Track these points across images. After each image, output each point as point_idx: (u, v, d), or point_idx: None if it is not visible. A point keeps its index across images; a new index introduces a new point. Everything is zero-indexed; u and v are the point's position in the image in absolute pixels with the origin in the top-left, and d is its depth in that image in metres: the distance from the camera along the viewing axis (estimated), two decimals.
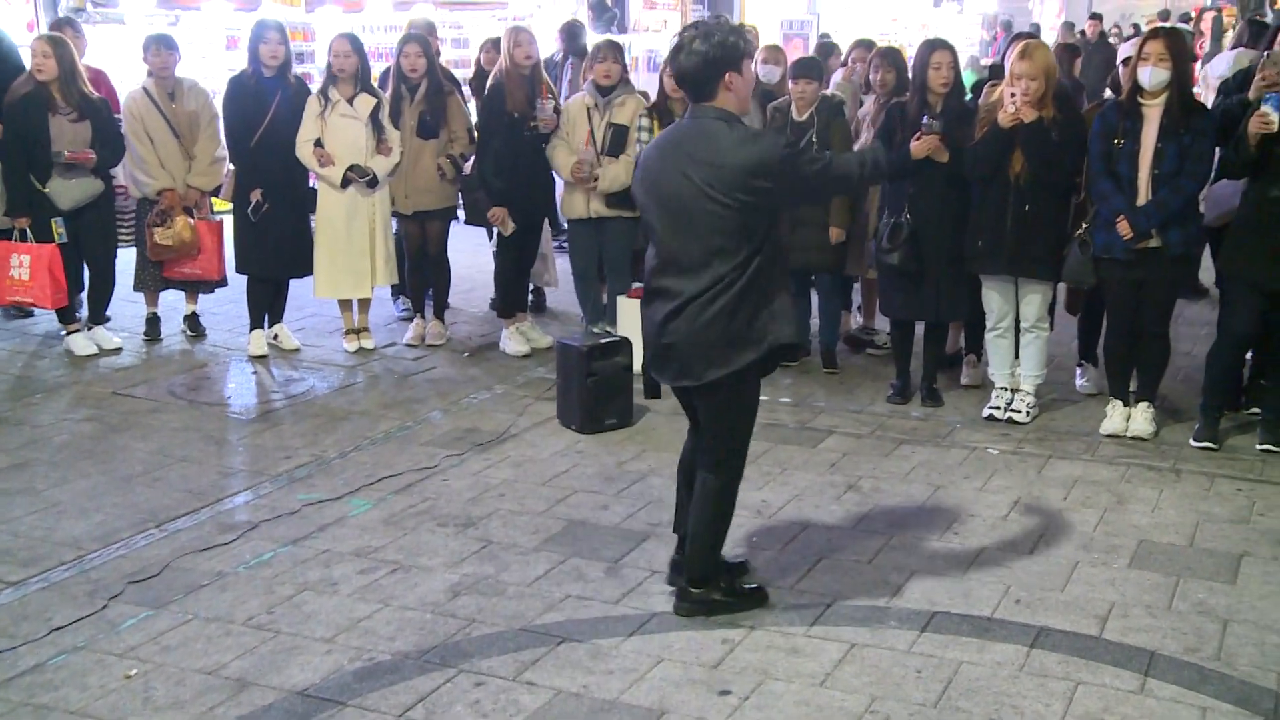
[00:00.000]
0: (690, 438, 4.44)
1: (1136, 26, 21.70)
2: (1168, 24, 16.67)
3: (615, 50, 7.51)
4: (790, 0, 21.70)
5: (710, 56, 3.93)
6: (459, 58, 12.91)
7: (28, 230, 7.22)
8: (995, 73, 7.08)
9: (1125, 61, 6.49)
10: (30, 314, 8.11)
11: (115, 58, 9.82)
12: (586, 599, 4.42)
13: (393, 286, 8.14)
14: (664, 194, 4.04)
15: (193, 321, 7.95)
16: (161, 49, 7.51)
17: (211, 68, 11.00)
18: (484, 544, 4.89)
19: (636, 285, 7.50)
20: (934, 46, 6.49)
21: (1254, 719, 3.65)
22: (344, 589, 4.49)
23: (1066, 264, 6.12)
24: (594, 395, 6.22)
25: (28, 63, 7.36)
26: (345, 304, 7.68)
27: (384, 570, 4.64)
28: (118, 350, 7.56)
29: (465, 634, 4.16)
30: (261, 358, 7.46)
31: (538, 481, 5.57)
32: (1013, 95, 5.92)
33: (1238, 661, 3.95)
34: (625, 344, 6.43)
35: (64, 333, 7.58)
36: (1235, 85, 6.78)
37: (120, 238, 7.91)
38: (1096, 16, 18.18)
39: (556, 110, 7.36)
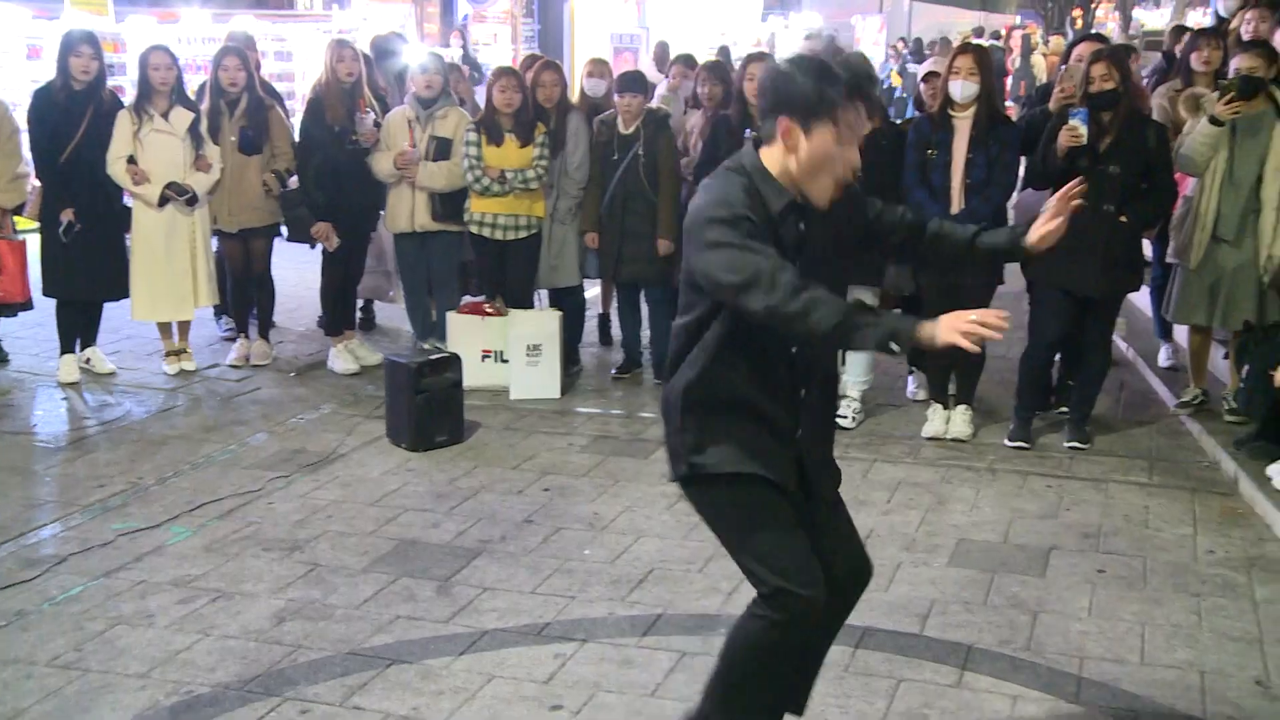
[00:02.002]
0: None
1: (930, 43, 22.51)
2: (979, 40, 17.36)
3: (438, 63, 7.45)
4: (620, 13, 21.92)
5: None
6: (282, 71, 12.64)
7: None
8: None
9: (926, 78, 6.73)
10: None
11: None
12: (417, 619, 4.36)
13: (214, 306, 7.90)
14: None
15: None
16: None
17: (11, 78, 10.52)
18: (311, 567, 4.78)
19: (466, 300, 7.46)
20: (751, 59, 6.63)
21: (1058, 703, 3.81)
22: (161, 621, 4.32)
23: (887, 272, 6.30)
24: (424, 412, 6.15)
25: None
26: (165, 325, 7.42)
27: (205, 599, 4.49)
28: None
29: (291, 660, 4.05)
30: (73, 384, 7.14)
31: (367, 501, 5.47)
32: None
33: (1045, 650, 4.12)
34: (454, 360, 6.38)
35: None
36: (1038, 98, 7.11)
37: None
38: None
39: (377, 124, 7.26)
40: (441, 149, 7.16)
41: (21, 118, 7.37)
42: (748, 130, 6.33)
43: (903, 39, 25.49)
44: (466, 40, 15.32)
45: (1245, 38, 6.70)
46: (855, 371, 6.53)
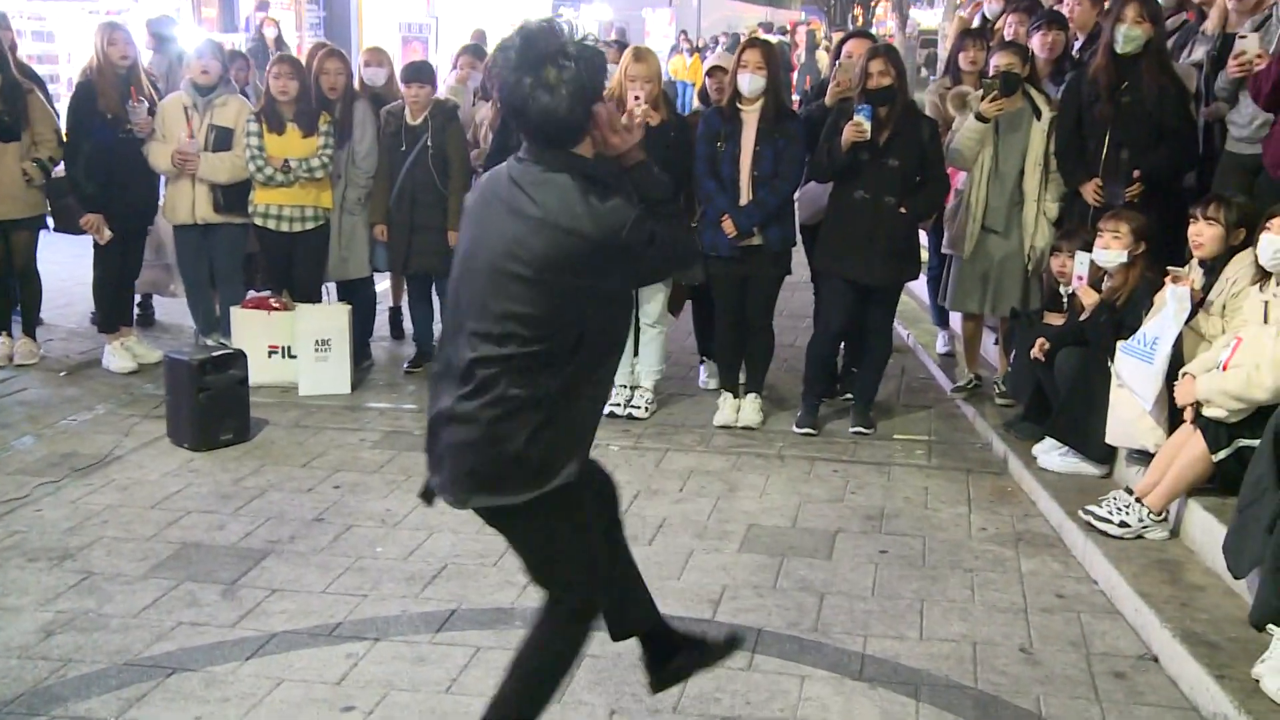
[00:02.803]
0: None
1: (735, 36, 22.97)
2: (767, 35, 17.77)
3: (215, 49, 7.18)
4: (408, 3, 21.58)
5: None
6: (43, 52, 11.95)
7: None
8: None
9: (711, 73, 6.86)
10: None
11: None
12: (200, 625, 4.20)
13: None
14: None
15: None
16: None
17: None
18: (84, 576, 4.54)
19: (251, 294, 7.21)
20: None
21: (844, 681, 3.93)
22: None
23: None
24: (207, 411, 5.93)
25: None
26: None
27: None
28: None
29: (60, 676, 3.84)
30: None
31: (146, 505, 5.24)
32: (636, 98, 6.10)
33: (832, 630, 4.26)
34: (239, 356, 6.17)
35: None
36: (814, 93, 7.33)
37: None
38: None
39: (151, 112, 6.95)
40: (221, 139, 6.89)
41: None
42: None
43: (684, 32, 25.92)
44: (280, 29, 14.74)
45: (1007, 39, 7.06)
46: (648, 361, 6.60)
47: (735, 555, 4.87)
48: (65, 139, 7.01)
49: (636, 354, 6.61)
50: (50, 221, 7.38)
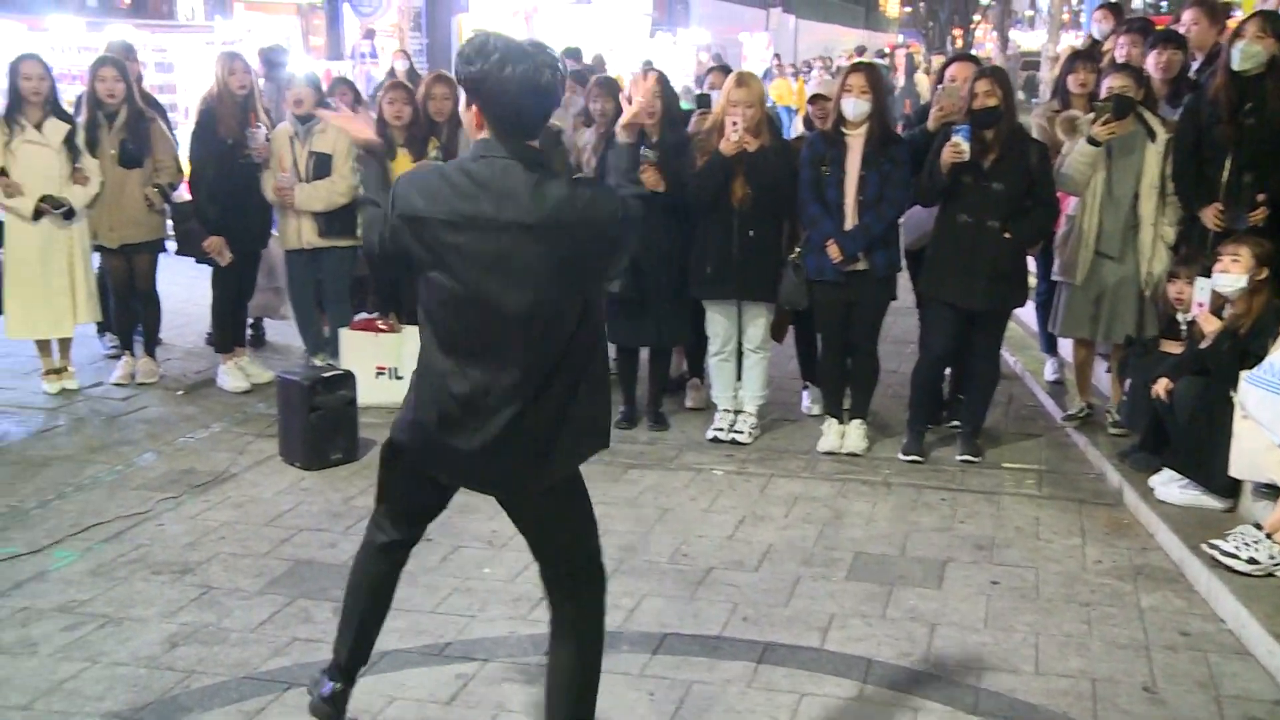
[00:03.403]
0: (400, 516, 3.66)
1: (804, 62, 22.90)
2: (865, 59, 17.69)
3: (307, 79, 7.35)
4: (508, 29, 21.88)
5: None
6: (164, 82, 12.33)
7: None
8: (702, 102, 7.33)
9: (813, 100, 6.84)
10: None
11: None
12: (314, 641, 4.27)
13: (97, 323, 7.66)
14: None
15: None
16: None
17: None
18: (204, 590, 4.65)
19: (360, 316, 7.34)
20: (643, 74, 6.66)
21: (959, 714, 3.87)
22: (45, 649, 4.17)
23: (782, 287, 6.37)
24: (318, 430, 6.04)
25: None
26: (43, 343, 7.18)
27: (92, 625, 4.34)
28: None
29: (184, 687, 3.94)
30: None
31: (260, 522, 5.35)
32: (734, 124, 6.12)
33: (945, 662, 4.19)
34: (349, 377, 6.28)
35: None
36: (917, 117, 7.26)
37: None
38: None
39: (267, 138, 7.14)
40: (321, 165, 7.04)
41: None
42: (642, 147, 6.36)
43: (778, 56, 25.88)
44: (412, 61, 15.08)
45: (1119, 60, 6.93)
46: (751, 386, 6.59)
47: (843, 583, 4.83)
48: (190, 165, 7.23)
49: (740, 379, 6.60)
50: (170, 245, 7.60)
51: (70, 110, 7.24)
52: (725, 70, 7.88)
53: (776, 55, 26.24)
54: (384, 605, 3.57)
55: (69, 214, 6.90)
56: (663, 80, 6.70)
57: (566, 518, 3.39)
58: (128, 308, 7.42)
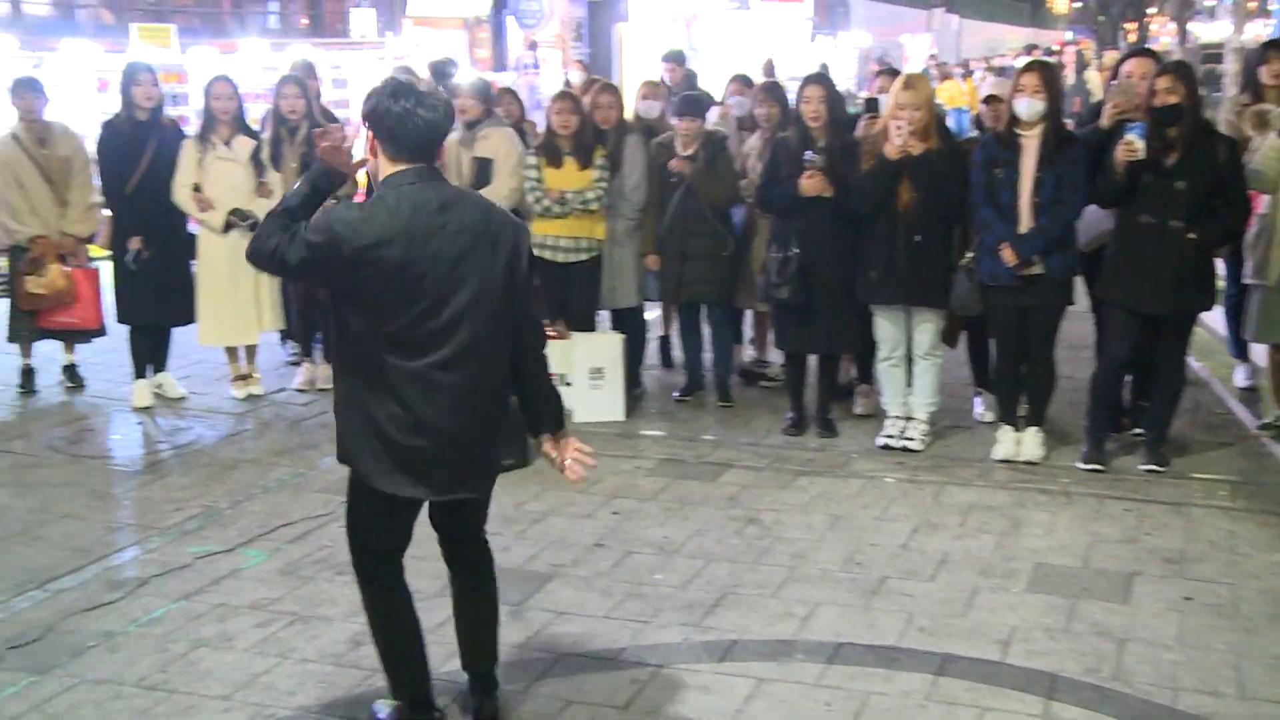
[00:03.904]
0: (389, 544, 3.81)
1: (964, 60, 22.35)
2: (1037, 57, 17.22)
3: (474, 88, 7.47)
4: (669, 35, 21.98)
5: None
6: (340, 98, 12.79)
7: None
8: (871, 106, 7.24)
9: (988, 100, 6.68)
10: None
11: None
12: None
13: (280, 330, 7.97)
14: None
15: (71, 372, 7.68)
16: (27, 93, 7.28)
17: (82, 111, 10.70)
18: None
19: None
20: (807, 81, 6.61)
21: None
22: (240, 643, 4.35)
23: (954, 292, 6.25)
24: None
25: None
26: (232, 350, 7.50)
27: (282, 622, 4.51)
28: None
29: (369, 684, 4.05)
30: (146, 408, 7.23)
31: None
32: (899, 127, 6.04)
33: (1135, 680, 4.04)
34: None
35: None
36: (1089, 116, 7.02)
37: None
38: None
39: None
40: (483, 171, 7.18)
41: (92, 149, 7.48)
42: (807, 152, 6.32)
43: (933, 56, 25.35)
44: (588, 72, 15.39)
45: None
46: (922, 393, 6.47)
47: (1023, 595, 4.69)
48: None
49: (910, 385, 6.49)
50: None
51: (255, 127, 7.55)
52: (893, 73, 7.76)
53: (932, 55, 25.76)
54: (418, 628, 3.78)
55: (255, 226, 7.17)
56: (827, 85, 6.64)
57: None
58: (309, 316, 7.69)
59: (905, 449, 6.39)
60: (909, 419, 6.50)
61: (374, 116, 3.32)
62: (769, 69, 15.18)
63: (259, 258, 3.39)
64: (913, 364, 6.47)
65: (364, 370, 3.38)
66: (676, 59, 10.73)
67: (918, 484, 5.95)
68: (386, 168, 3.33)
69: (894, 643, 4.31)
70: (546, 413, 3.63)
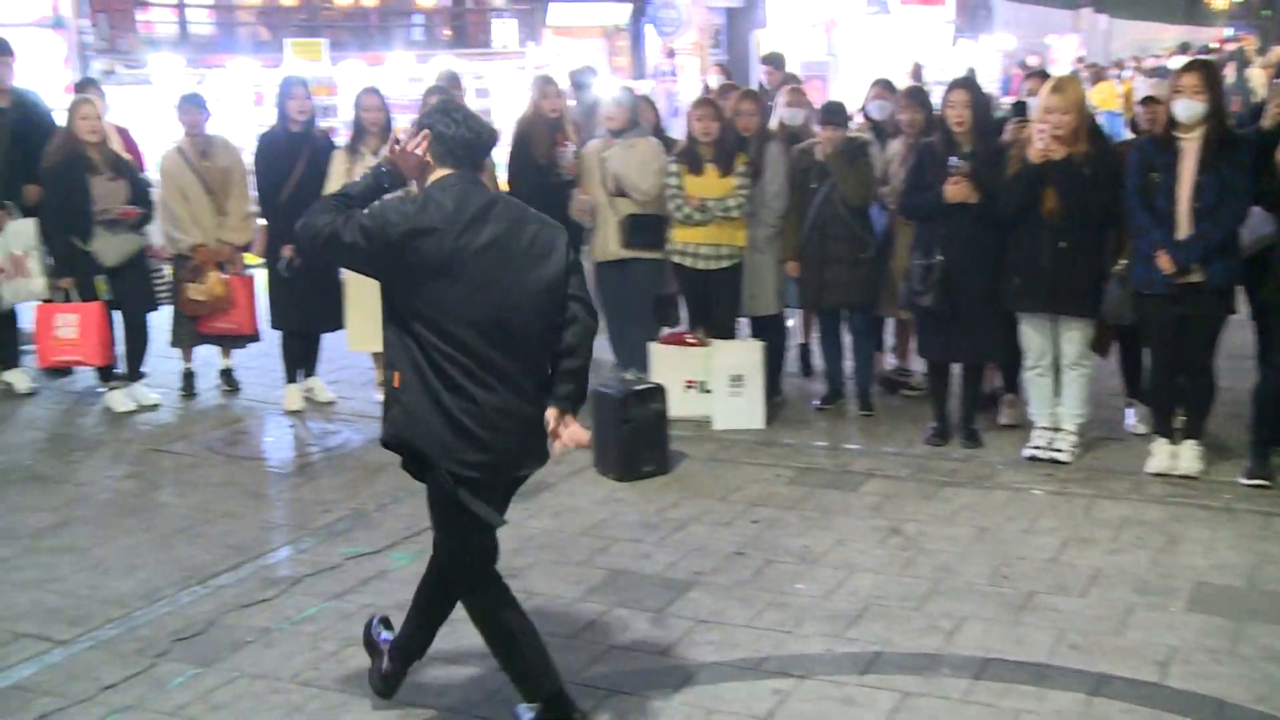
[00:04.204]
0: (490, 552, 3.91)
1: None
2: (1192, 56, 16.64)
3: (622, 98, 7.54)
4: (807, 41, 21.83)
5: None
6: (481, 107, 13.00)
7: (70, 291, 7.29)
8: (1019, 110, 7.08)
9: (1145, 101, 6.48)
10: (70, 372, 8.14)
11: (142, 117, 9.95)
12: (632, 650, 4.37)
13: None
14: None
15: (228, 376, 7.97)
16: (191, 108, 7.58)
17: (240, 124, 11.11)
18: (526, 595, 4.79)
19: (668, 330, 7.48)
20: (952, 85, 6.50)
21: None
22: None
23: (1106, 300, 6.07)
24: (631, 442, 6.19)
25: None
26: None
27: None
28: (155, 406, 7.58)
29: (512, 687, 4.10)
30: (297, 412, 7.46)
31: (578, 531, 5.52)
32: (1040, 131, 5.90)
33: None
34: (660, 390, 6.41)
35: (103, 389, 7.60)
36: (1249, 116, 6.75)
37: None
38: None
39: (576, 156, 7.39)
40: (622, 181, 7.22)
41: (249, 160, 7.76)
42: (952, 157, 6.21)
43: (1080, 58, 24.63)
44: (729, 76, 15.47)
45: None
46: (1071, 403, 6.29)
47: (1183, 615, 4.52)
48: (506, 185, 7.58)
49: (1058, 394, 6.32)
50: None
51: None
52: (1043, 76, 7.59)
53: (1080, 57, 25.05)
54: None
55: None
56: (973, 89, 6.51)
57: None
58: None
59: (1053, 460, 6.22)
60: (1057, 429, 6.33)
61: (429, 127, 3.70)
62: (916, 73, 14.93)
63: (308, 232, 3.69)
64: (1060, 374, 6.30)
65: (409, 354, 3.61)
66: (775, 62, 10.74)
67: (1067, 496, 5.79)
68: (435, 173, 3.69)
69: (1044, 660, 4.20)
70: (570, 391, 3.75)
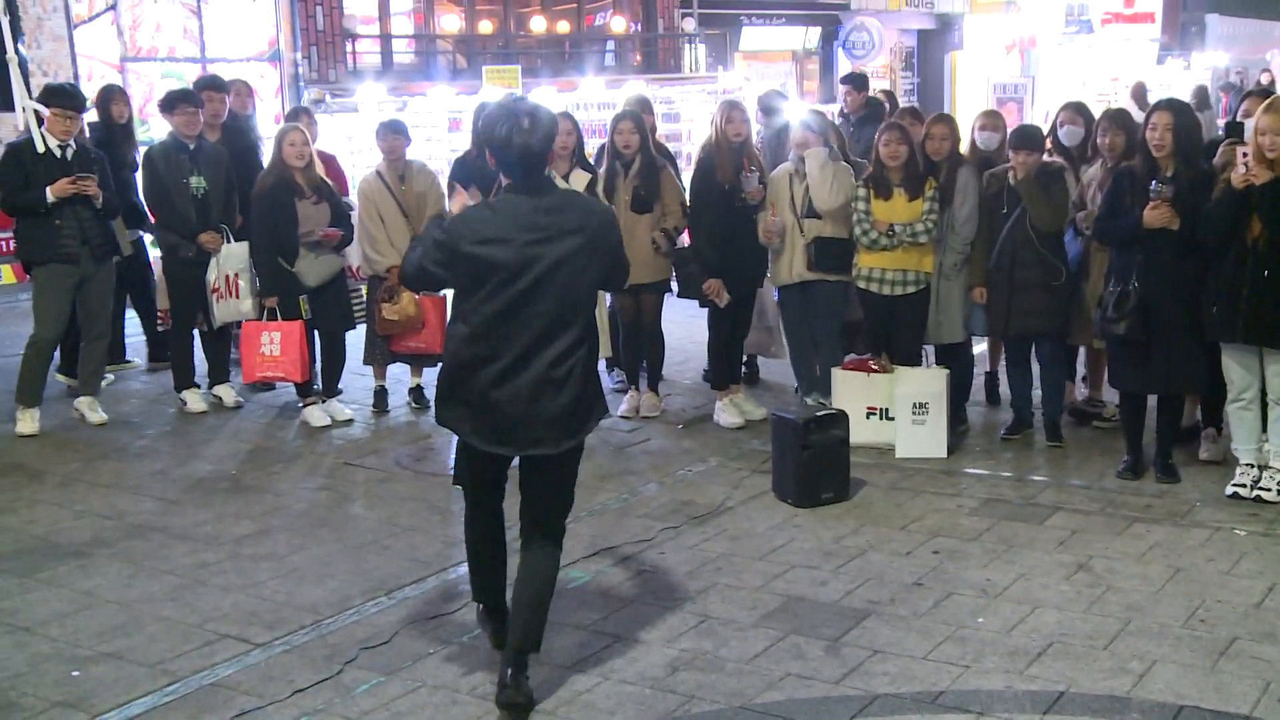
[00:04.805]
0: (493, 515, 4.67)
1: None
2: None
3: (812, 121, 7.49)
4: (1003, 63, 21.37)
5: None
6: (671, 131, 13.15)
7: (275, 309, 7.68)
8: (1232, 131, 6.76)
9: None
10: (273, 387, 8.55)
11: (349, 143, 10.41)
12: (807, 678, 4.33)
13: (606, 359, 8.25)
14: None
15: (417, 394, 8.23)
16: (390, 134, 7.89)
17: (436, 149, 11.52)
18: (702, 619, 4.85)
19: (850, 357, 7.40)
20: (1156, 107, 6.26)
21: None
22: (562, 661, 4.51)
23: None
24: (810, 468, 6.14)
25: (267, 154, 7.89)
26: None
27: (603, 643, 4.66)
28: (349, 422, 7.89)
29: (685, 710, 4.12)
30: None
31: (754, 556, 5.51)
32: (1244, 155, 5.63)
33: None
34: (841, 416, 6.34)
35: (301, 405, 7.97)
36: None
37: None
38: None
39: (762, 181, 7.39)
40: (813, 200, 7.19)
41: (444, 185, 8.03)
42: (1154, 181, 5.98)
43: (1266, 69, 23.27)
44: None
45: None
46: (1278, 441, 5.95)
47: None
48: (690, 210, 7.64)
49: (1265, 430, 5.99)
50: (675, 287, 8.04)
51: (592, 161, 7.87)
52: (1265, 94, 7.23)
53: (1265, 69, 23.72)
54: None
55: None
56: (1178, 111, 6.25)
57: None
58: (635, 345, 7.93)
59: (1259, 499, 5.90)
60: (1264, 467, 6.01)
61: (487, 143, 4.16)
62: (1139, 93, 14.38)
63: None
64: (1267, 409, 5.97)
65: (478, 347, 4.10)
66: (856, 83, 10.54)
67: (1274, 538, 5.48)
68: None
69: (1247, 712, 3.98)
70: None
